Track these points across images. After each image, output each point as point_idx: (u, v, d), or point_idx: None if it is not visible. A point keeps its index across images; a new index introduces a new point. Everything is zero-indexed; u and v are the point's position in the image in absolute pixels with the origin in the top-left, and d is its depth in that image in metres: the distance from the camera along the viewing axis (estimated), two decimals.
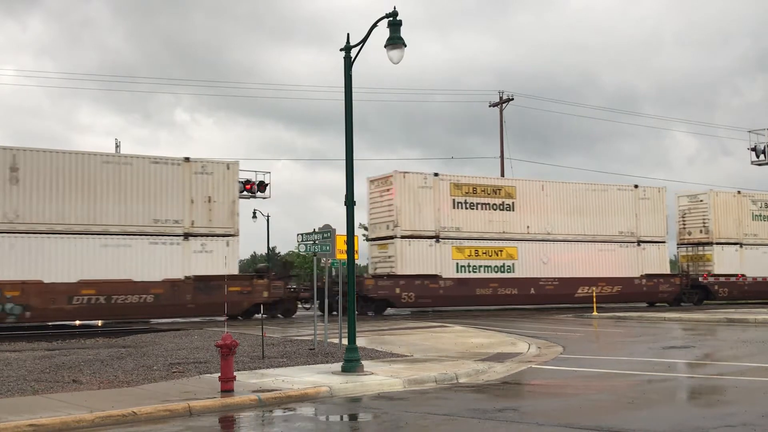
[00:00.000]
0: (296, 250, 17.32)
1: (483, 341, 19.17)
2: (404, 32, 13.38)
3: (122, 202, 26.89)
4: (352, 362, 13.12)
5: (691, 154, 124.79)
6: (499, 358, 15.62)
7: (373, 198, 33.73)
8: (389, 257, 32.48)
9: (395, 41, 13.32)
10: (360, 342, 14.55)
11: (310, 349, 16.55)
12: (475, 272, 33.62)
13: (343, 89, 13.91)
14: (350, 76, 13.89)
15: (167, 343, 18.78)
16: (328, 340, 16.89)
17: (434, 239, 32.86)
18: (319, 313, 17.57)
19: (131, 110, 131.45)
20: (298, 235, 17.14)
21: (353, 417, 10.20)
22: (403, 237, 32.05)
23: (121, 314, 26.88)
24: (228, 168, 29.10)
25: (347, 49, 13.93)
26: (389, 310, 33.37)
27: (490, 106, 48.19)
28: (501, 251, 34.49)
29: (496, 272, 34.17)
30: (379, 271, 32.86)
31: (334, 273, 20.92)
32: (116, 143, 47.94)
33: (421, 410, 10.17)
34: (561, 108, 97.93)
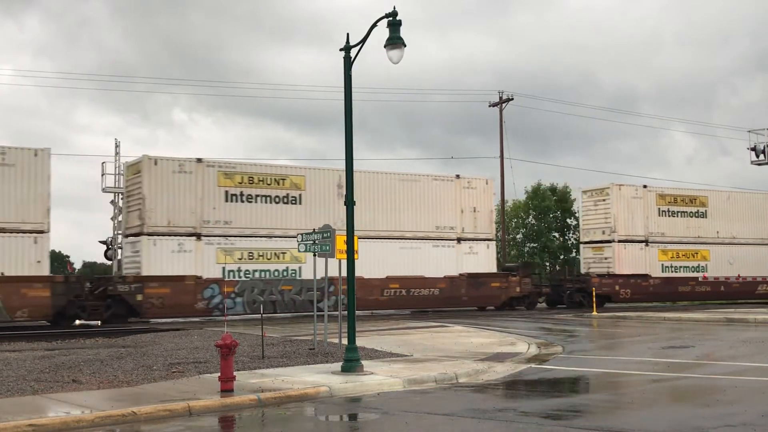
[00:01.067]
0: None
1: (483, 341, 19.17)
2: (403, 32, 13.40)
3: (414, 212, 32.90)
4: (351, 362, 13.12)
5: (690, 153, 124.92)
6: (499, 357, 15.62)
7: (587, 206, 39.11)
8: (605, 258, 37.52)
9: (395, 41, 13.33)
10: (360, 342, 14.55)
11: (310, 349, 16.55)
12: (676, 272, 38.26)
13: (342, 89, 13.91)
14: (350, 76, 13.90)
15: (167, 343, 18.78)
16: (328, 340, 16.89)
17: (644, 243, 37.66)
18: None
19: (129, 110, 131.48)
20: (298, 234, 17.15)
21: (353, 417, 10.20)
22: (619, 241, 37.03)
23: (415, 305, 32.96)
24: (486, 183, 35.05)
25: (347, 49, 13.93)
26: (390, 311, 33.55)
27: (489, 105, 48.22)
28: (696, 253, 38.16)
29: (693, 272, 38.26)
30: (592, 270, 37.91)
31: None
32: (116, 143, 47.89)
33: (421, 410, 10.18)
34: (560, 108, 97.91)
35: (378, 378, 12.49)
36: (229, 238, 28.99)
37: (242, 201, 29.41)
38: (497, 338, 20.12)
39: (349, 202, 13.84)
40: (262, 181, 29.89)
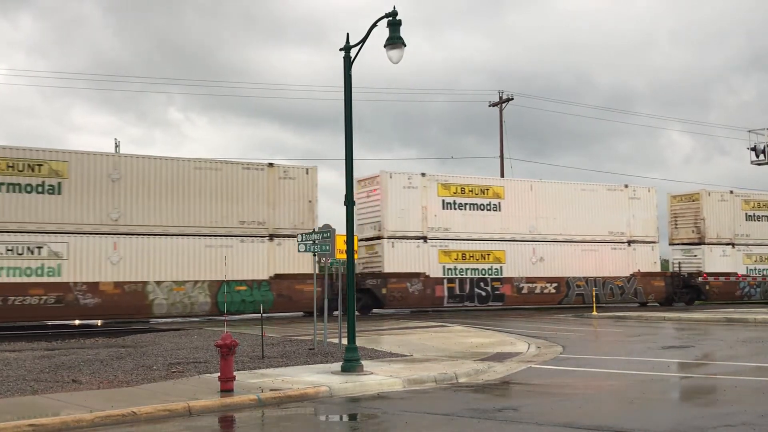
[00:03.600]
0: (297, 251, 17.31)
1: (483, 341, 19.17)
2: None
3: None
4: (351, 362, 13.12)
5: (687, 153, 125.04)
6: (499, 357, 15.62)
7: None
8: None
9: (395, 41, 13.32)
10: (360, 342, 14.55)
11: (310, 349, 16.55)
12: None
13: (340, 89, 13.91)
14: (350, 75, 13.89)
15: (167, 343, 18.77)
16: (328, 340, 16.89)
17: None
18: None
19: (125, 109, 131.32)
20: (298, 234, 17.14)
21: (353, 417, 10.20)
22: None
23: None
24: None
25: (347, 49, 13.93)
26: (390, 310, 33.73)
27: (489, 105, 48.19)
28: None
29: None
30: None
31: None
32: (116, 143, 47.98)
33: (421, 410, 10.18)
34: (557, 107, 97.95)
35: (378, 378, 12.49)
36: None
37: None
38: (497, 338, 20.12)
39: (349, 202, 13.83)
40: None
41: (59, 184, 25.91)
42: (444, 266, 33.19)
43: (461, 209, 33.97)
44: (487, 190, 34.70)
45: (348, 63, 13.92)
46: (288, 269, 29.44)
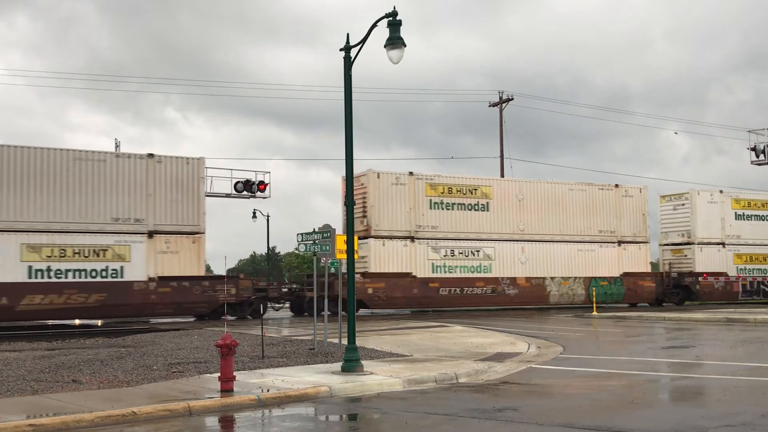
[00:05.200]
0: (296, 251, 17.32)
1: (483, 341, 19.16)
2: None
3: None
4: (351, 362, 13.12)
5: (685, 152, 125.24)
6: (499, 358, 15.62)
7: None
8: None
9: (395, 41, 13.31)
10: (360, 342, 14.55)
11: (310, 349, 16.55)
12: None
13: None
14: (350, 76, 13.89)
15: (167, 343, 18.77)
16: (328, 340, 16.89)
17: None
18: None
19: (122, 109, 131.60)
20: (298, 234, 17.14)
21: (353, 417, 10.20)
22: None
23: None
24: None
25: (347, 49, 13.93)
26: (389, 310, 33.71)
27: (489, 105, 48.21)
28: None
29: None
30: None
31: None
32: (116, 143, 47.96)
33: (421, 410, 10.17)
34: (555, 107, 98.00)
35: (378, 378, 12.49)
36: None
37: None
38: (497, 338, 20.11)
39: (350, 202, 13.83)
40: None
41: (487, 203, 34.94)
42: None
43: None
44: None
45: (348, 63, 13.91)
46: (632, 269, 38.09)
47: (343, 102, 13.91)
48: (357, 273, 31.18)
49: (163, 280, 28.15)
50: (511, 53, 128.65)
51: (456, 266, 33.91)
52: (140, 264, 27.86)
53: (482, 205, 34.80)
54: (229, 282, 29.75)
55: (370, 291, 31.32)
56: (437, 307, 34.08)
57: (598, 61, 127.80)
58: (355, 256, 14.05)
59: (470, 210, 34.59)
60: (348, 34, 13.90)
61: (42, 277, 26.30)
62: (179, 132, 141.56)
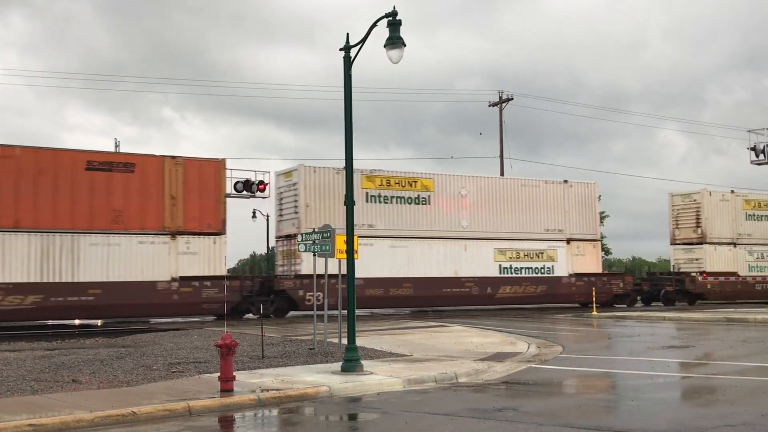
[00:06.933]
0: (298, 251, 17.33)
1: (483, 341, 19.16)
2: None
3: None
4: (351, 362, 13.12)
5: (683, 152, 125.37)
6: (499, 357, 15.62)
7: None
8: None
9: (395, 41, 13.32)
10: (360, 342, 14.55)
11: (310, 349, 16.55)
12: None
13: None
14: (350, 75, 13.90)
15: (167, 343, 18.77)
16: (328, 340, 16.89)
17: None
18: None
19: (120, 109, 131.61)
20: (298, 234, 17.13)
21: (353, 417, 10.20)
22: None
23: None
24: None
25: (347, 48, 13.93)
26: (389, 310, 33.66)
27: (489, 105, 48.18)
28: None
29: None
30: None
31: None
32: (116, 143, 47.98)
33: (421, 410, 10.17)
34: (553, 107, 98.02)
35: (378, 378, 12.49)
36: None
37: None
38: (497, 338, 20.11)
39: (349, 202, 13.83)
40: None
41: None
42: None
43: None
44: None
45: (348, 63, 13.92)
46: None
47: (341, 102, 13.94)
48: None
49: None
50: (509, 53, 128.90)
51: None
52: (563, 263, 36.01)
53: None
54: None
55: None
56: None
57: (596, 60, 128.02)
58: (355, 257, 14.05)
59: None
60: (348, 34, 13.92)
61: (507, 273, 34.51)
62: (177, 132, 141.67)
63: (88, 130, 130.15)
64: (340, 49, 13.98)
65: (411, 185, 32.69)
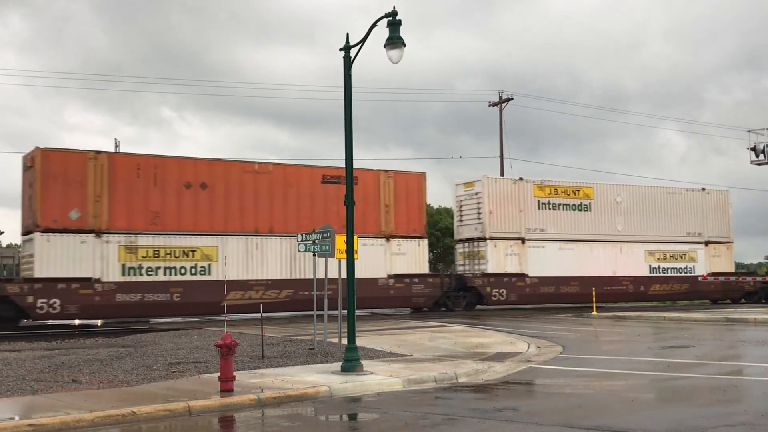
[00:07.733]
0: (298, 250, 17.34)
1: (483, 341, 19.17)
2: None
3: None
4: (351, 362, 13.12)
5: (683, 152, 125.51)
6: (499, 357, 15.62)
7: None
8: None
9: (395, 41, 13.32)
10: (360, 342, 14.55)
11: (310, 349, 16.55)
12: None
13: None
14: (350, 75, 13.90)
15: (167, 343, 18.78)
16: (328, 340, 16.89)
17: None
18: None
19: (119, 108, 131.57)
20: (298, 235, 17.16)
21: (353, 417, 10.20)
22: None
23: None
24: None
25: (347, 48, 13.94)
26: (389, 311, 33.73)
27: (489, 105, 48.21)
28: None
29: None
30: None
31: None
32: (116, 143, 48.02)
33: (421, 410, 10.17)
34: (552, 107, 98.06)
35: (378, 378, 12.49)
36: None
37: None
38: (497, 338, 20.11)
39: (349, 202, 13.84)
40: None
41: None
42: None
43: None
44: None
45: (348, 63, 13.93)
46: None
47: (341, 102, 13.95)
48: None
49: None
50: (508, 53, 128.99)
51: None
52: (702, 263, 39.51)
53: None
54: None
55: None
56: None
57: (595, 60, 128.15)
58: (355, 257, 14.05)
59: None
60: (348, 34, 13.93)
61: (656, 273, 38.27)
62: (176, 131, 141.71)
63: (88, 130, 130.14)
64: (340, 49, 13.99)
65: (575, 193, 36.28)
